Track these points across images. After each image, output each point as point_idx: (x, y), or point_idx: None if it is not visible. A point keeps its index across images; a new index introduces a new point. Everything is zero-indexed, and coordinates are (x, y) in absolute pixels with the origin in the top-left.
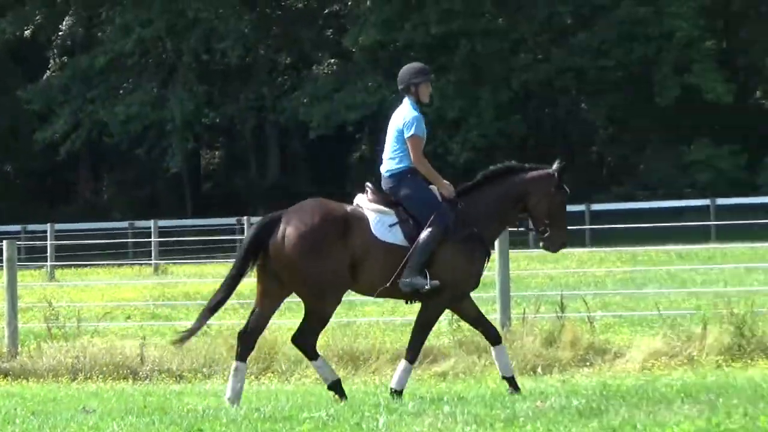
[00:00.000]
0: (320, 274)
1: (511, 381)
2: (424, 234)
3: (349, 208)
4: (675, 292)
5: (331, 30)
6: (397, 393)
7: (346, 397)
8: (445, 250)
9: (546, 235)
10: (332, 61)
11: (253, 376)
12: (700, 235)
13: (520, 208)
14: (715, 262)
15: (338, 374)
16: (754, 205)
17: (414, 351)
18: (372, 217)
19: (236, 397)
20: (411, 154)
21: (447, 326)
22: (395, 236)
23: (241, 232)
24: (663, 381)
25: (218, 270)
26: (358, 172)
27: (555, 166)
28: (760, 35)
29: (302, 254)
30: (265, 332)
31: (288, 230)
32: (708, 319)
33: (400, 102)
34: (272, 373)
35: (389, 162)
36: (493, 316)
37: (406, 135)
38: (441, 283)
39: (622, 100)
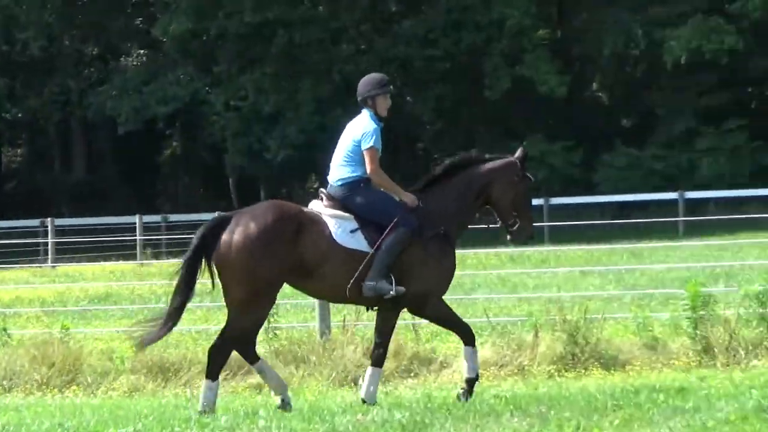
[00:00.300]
0: (262, 273)
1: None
2: (390, 237)
3: (305, 210)
4: (505, 297)
5: (140, 19)
6: (475, 380)
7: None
8: (415, 254)
9: (515, 227)
10: (141, 51)
11: (56, 389)
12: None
13: (482, 201)
14: (549, 265)
15: (149, 386)
16: (589, 204)
17: (465, 335)
18: (332, 223)
19: (280, 386)
20: (367, 166)
21: (264, 335)
22: (357, 242)
23: (45, 234)
24: (492, 392)
25: (21, 275)
26: (171, 170)
27: (517, 153)
28: (594, 23)
29: (250, 253)
30: (70, 342)
31: (238, 229)
32: (540, 327)
33: (359, 113)
34: (77, 385)
35: (341, 170)
36: (312, 324)
37: (364, 146)
38: (423, 289)
39: (450, 93)
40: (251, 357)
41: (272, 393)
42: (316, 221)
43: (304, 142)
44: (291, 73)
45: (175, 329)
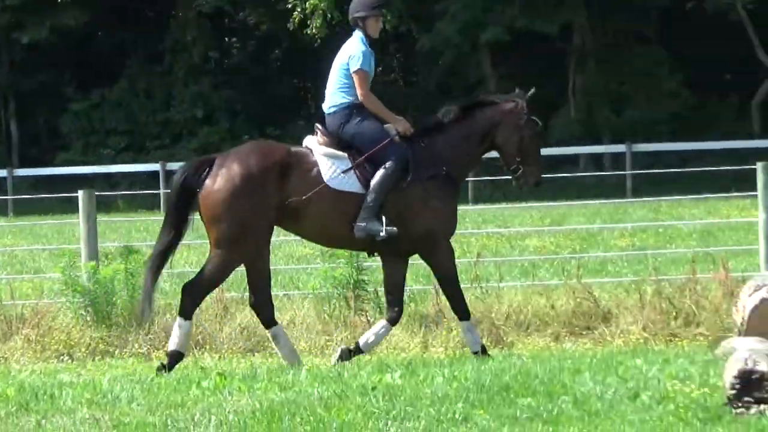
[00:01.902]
0: (244, 214)
1: (356, 351)
2: (379, 173)
3: (293, 149)
4: None
5: None
6: (482, 350)
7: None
8: (413, 194)
9: (519, 172)
10: None
11: None
12: None
13: (488, 145)
14: None
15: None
16: None
17: (460, 308)
18: (323, 162)
19: (291, 355)
20: (357, 90)
21: None
22: (349, 183)
23: None
24: None
25: None
26: None
27: (523, 95)
28: None
29: (232, 194)
30: None
31: (221, 171)
32: None
33: (349, 36)
34: None
35: (332, 97)
36: None
37: (352, 69)
38: (427, 230)
39: None
40: (268, 320)
41: (283, 362)
42: (305, 161)
43: None
44: None
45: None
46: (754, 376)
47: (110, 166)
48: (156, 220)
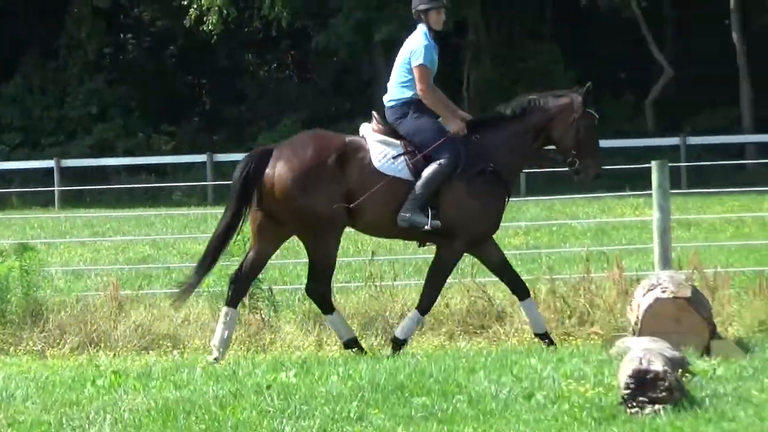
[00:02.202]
0: (314, 209)
1: (544, 336)
2: (430, 167)
3: (348, 138)
4: None
5: None
6: (400, 343)
7: (365, 351)
8: (456, 187)
9: (576, 165)
10: None
11: None
12: None
13: (542, 140)
14: None
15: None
16: None
17: (427, 301)
18: (375, 148)
19: (223, 346)
20: (417, 85)
21: None
22: (399, 169)
23: None
24: None
25: None
26: None
27: (579, 90)
28: None
29: (294, 189)
30: None
31: (278, 164)
32: None
33: (414, 29)
34: None
35: (393, 91)
36: None
37: (414, 64)
38: (452, 223)
39: None
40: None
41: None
42: (359, 149)
43: None
44: None
45: None
46: (648, 376)
47: (4, 163)
48: (51, 217)
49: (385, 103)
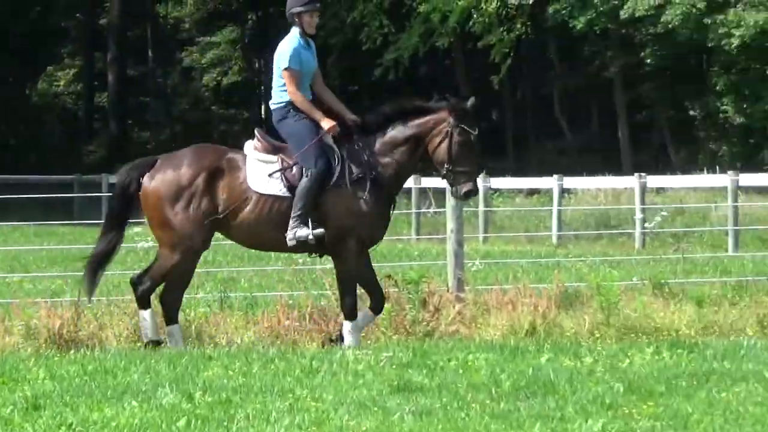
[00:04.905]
0: (178, 223)
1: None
2: (302, 181)
3: (229, 155)
4: None
5: None
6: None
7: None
8: (336, 194)
9: (450, 182)
10: None
11: None
12: None
13: (420, 153)
14: None
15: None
16: None
17: (348, 309)
18: (251, 166)
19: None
20: (287, 87)
21: None
22: (274, 186)
23: None
24: None
25: None
26: None
27: (461, 102)
28: None
29: (163, 201)
30: None
31: (157, 175)
32: None
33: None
34: None
35: (273, 94)
36: None
37: (281, 67)
38: (340, 229)
39: None
40: (144, 302)
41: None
42: (236, 166)
43: None
44: None
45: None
46: None
47: None
48: None
49: (270, 106)
